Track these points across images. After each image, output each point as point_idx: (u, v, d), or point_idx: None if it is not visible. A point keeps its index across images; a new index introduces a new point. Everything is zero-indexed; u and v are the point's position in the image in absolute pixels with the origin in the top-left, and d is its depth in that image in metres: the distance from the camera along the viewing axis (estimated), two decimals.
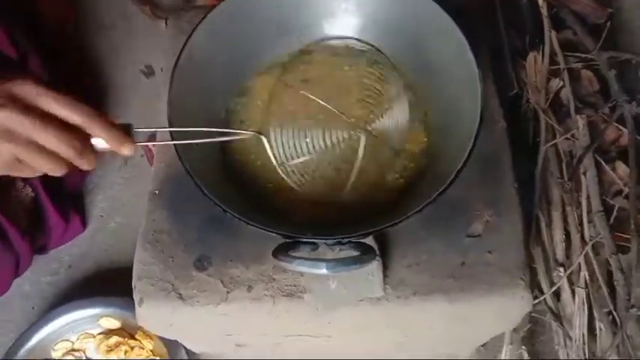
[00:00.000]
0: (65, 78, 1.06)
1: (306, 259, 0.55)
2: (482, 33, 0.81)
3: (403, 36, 0.71)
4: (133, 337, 0.99)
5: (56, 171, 0.52)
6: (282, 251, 0.57)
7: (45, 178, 0.95)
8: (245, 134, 0.67)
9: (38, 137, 0.50)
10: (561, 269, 0.89)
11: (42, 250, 1.06)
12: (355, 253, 0.57)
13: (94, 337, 1.00)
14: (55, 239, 1.07)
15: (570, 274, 0.87)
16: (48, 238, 1.05)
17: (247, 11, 0.70)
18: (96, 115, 0.52)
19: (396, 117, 0.70)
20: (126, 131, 0.54)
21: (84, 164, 0.53)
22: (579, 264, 0.86)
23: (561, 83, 0.94)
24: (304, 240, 0.59)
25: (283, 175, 0.66)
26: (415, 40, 0.70)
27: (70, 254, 1.12)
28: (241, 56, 0.71)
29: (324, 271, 0.53)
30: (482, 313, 0.67)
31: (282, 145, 0.68)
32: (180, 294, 0.67)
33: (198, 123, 0.63)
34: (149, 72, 1.27)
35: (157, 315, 0.68)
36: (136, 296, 0.68)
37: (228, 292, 0.67)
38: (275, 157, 0.66)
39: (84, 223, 1.12)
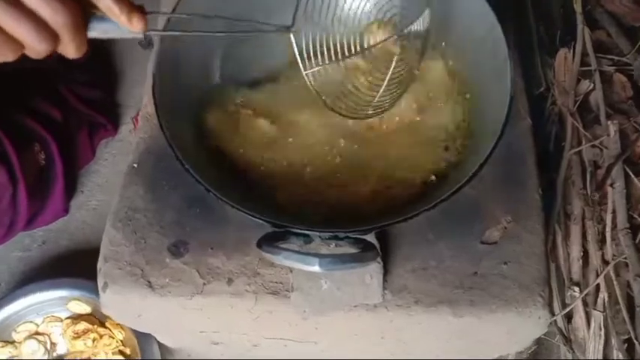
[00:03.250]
0: None
1: (295, 252, 0.47)
2: (510, 25, 0.74)
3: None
4: (103, 325, 0.92)
5: (37, 45, 0.40)
6: (268, 241, 0.49)
7: (61, 148, 0.94)
8: (270, 30, 0.54)
9: None
10: (576, 289, 0.81)
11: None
12: (353, 251, 0.50)
13: (61, 321, 0.93)
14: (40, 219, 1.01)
15: (585, 295, 0.79)
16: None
17: None
18: None
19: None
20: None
21: (74, 42, 0.41)
22: (597, 285, 0.78)
23: (592, 86, 0.86)
24: (296, 231, 0.51)
25: (308, 80, 0.55)
26: (447, 19, 0.62)
27: (45, 229, 1.04)
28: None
29: (316, 267, 0.45)
30: (491, 331, 0.60)
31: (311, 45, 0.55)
32: (149, 281, 0.59)
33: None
34: (147, 43, 1.19)
35: (123, 303, 0.60)
36: (100, 280, 0.60)
37: (204, 284, 0.59)
38: (301, 58, 0.54)
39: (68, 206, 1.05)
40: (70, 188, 1.03)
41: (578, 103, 0.86)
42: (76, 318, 0.92)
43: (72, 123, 0.98)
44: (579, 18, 0.91)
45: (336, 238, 0.52)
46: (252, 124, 0.60)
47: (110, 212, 0.63)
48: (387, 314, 0.58)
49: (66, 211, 1.04)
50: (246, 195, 0.57)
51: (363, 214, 0.56)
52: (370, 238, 0.54)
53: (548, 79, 0.89)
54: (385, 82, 0.55)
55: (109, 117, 1.08)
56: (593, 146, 0.84)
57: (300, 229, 0.51)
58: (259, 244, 0.49)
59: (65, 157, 0.97)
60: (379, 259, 0.55)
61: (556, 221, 0.84)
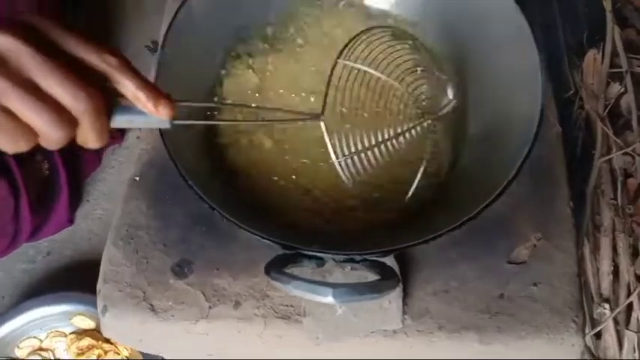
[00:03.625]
0: None
1: (307, 280, 0.42)
2: (537, 25, 0.69)
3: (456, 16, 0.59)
4: (108, 341, 0.88)
5: (54, 134, 0.36)
6: (277, 266, 0.45)
7: (65, 158, 0.91)
8: (300, 118, 0.50)
9: (42, 76, 0.35)
10: (607, 306, 0.76)
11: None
12: (371, 276, 0.45)
13: (66, 336, 0.89)
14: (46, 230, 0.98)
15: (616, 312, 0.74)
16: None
17: None
18: (125, 61, 0.38)
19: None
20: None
21: (94, 130, 0.37)
22: (631, 303, 0.73)
23: (623, 89, 0.81)
24: (307, 253, 0.46)
25: (339, 169, 0.50)
26: (470, 20, 0.57)
27: (50, 240, 1.01)
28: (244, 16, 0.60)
29: (329, 299, 0.41)
30: (518, 357, 0.55)
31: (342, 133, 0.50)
32: (152, 305, 0.55)
33: (190, 87, 0.53)
34: (154, 48, 1.16)
35: (123, 327, 0.56)
36: (99, 302, 0.56)
37: (210, 307, 0.55)
38: (334, 149, 0.49)
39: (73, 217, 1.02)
40: (75, 198, 1.00)
41: (608, 107, 0.81)
42: (81, 333, 0.89)
43: None
44: (609, 16, 0.86)
45: (352, 261, 0.47)
46: (259, 141, 0.56)
47: (111, 229, 0.59)
48: (406, 340, 0.54)
49: (71, 221, 1.00)
50: (254, 213, 0.53)
51: (379, 233, 0.52)
52: (389, 260, 0.50)
53: (575, 81, 0.84)
54: (421, 169, 0.51)
55: None
56: (625, 154, 0.79)
57: (313, 251, 0.47)
58: (267, 271, 0.45)
59: (70, 166, 0.93)
60: (400, 284, 0.51)
61: (584, 233, 0.80)
